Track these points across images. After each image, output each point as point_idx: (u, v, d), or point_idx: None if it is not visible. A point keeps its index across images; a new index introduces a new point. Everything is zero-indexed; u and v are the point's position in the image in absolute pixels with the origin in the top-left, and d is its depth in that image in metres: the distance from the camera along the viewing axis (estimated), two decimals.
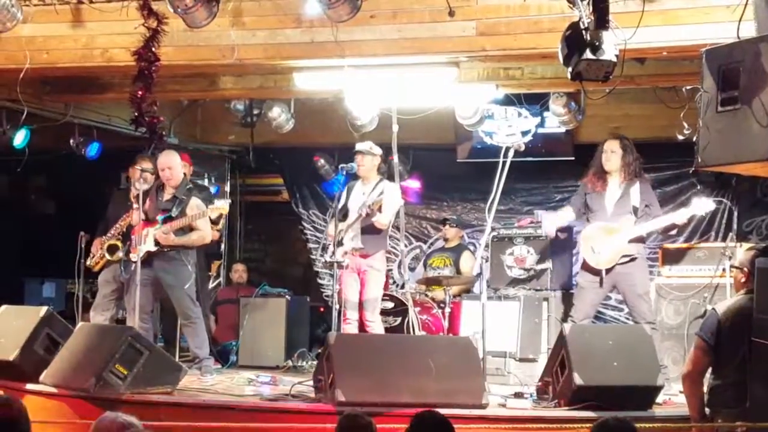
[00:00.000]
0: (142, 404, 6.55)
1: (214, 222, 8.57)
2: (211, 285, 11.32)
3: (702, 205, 7.90)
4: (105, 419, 3.79)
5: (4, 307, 7.93)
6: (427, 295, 9.47)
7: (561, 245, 8.90)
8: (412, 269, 10.60)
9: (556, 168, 10.71)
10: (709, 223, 9.90)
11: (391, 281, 10.26)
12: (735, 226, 9.57)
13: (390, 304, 9.21)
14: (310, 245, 11.83)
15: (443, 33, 7.26)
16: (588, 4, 5.58)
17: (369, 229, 8.25)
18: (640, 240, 7.89)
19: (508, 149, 7.60)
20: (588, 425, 6.08)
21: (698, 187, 10.04)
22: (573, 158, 10.45)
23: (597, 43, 5.58)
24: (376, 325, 8.33)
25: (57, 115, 10.00)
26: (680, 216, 7.88)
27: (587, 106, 9.91)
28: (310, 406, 6.56)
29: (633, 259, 7.80)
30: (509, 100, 10.10)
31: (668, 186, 10.27)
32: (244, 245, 12.86)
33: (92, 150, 10.51)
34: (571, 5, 5.76)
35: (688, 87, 8.14)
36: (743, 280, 5.60)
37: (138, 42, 7.35)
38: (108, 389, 6.67)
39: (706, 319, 5.61)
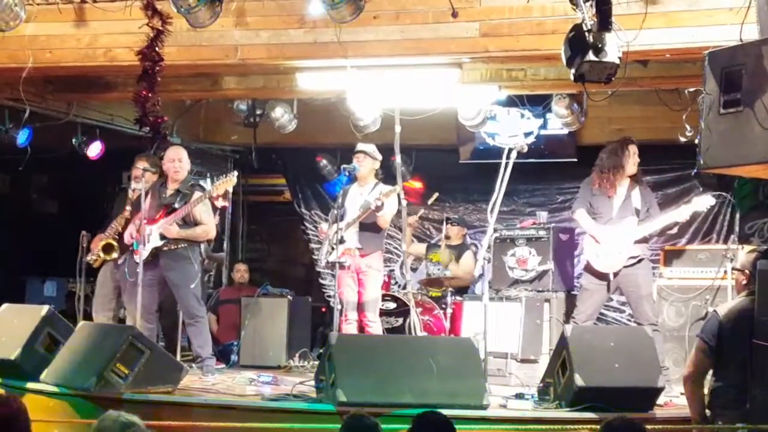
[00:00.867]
0: (144, 404, 6.54)
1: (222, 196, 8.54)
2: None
3: (703, 200, 7.92)
4: (106, 418, 3.79)
5: (5, 305, 7.93)
6: (428, 295, 9.47)
7: (563, 247, 8.90)
8: (414, 270, 10.59)
9: (559, 169, 10.72)
10: (711, 225, 9.91)
11: (393, 281, 10.27)
12: (737, 228, 9.57)
13: (392, 305, 9.22)
14: (312, 245, 11.84)
15: (446, 34, 7.26)
16: (591, 6, 5.59)
17: (368, 228, 8.26)
18: (645, 241, 7.90)
19: (510, 150, 7.61)
20: (589, 426, 6.12)
21: (700, 189, 10.04)
22: (575, 160, 10.46)
23: (600, 45, 5.59)
24: (376, 326, 8.35)
25: (59, 114, 10.02)
26: (682, 213, 7.89)
27: (590, 108, 9.91)
28: (312, 407, 6.55)
29: (639, 261, 7.81)
30: (512, 102, 10.09)
31: (670, 188, 10.27)
32: (246, 245, 12.86)
33: (93, 150, 10.49)
34: (575, 7, 5.76)
35: (691, 89, 8.17)
36: (744, 282, 5.61)
37: (140, 41, 7.37)
38: (109, 388, 6.67)
39: (708, 321, 5.62)
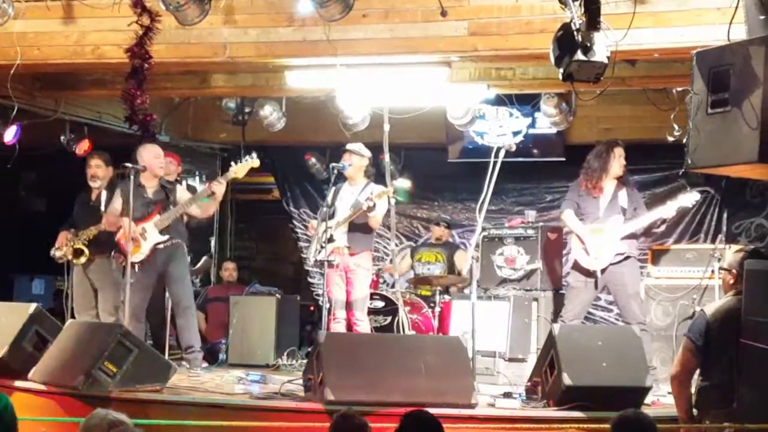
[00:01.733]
0: (132, 402, 6.53)
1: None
2: None
3: (688, 197, 7.96)
4: (94, 417, 3.78)
5: None
6: (417, 294, 9.48)
7: (551, 245, 8.91)
8: None
9: (547, 168, 10.73)
10: (699, 225, 9.94)
11: (381, 280, 10.27)
12: (724, 228, 9.60)
13: (380, 304, 9.22)
14: (301, 244, 11.83)
15: (435, 33, 7.27)
16: (579, 5, 5.59)
17: (358, 228, 8.27)
18: (632, 237, 7.91)
19: (499, 149, 7.61)
20: (576, 425, 6.14)
21: (687, 189, 10.06)
22: (564, 159, 10.48)
23: (588, 45, 5.59)
24: (364, 324, 8.35)
25: (48, 112, 9.99)
26: (668, 209, 7.91)
27: (578, 107, 9.92)
28: (300, 405, 6.55)
29: (626, 258, 7.81)
30: (500, 101, 10.11)
31: (658, 188, 10.30)
32: (234, 243, 12.85)
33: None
34: (563, 6, 5.77)
35: (679, 89, 8.20)
36: (732, 281, 5.62)
37: (129, 39, 7.36)
38: (97, 387, 6.65)
39: (695, 321, 5.63)
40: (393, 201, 8.79)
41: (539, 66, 8.14)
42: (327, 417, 5.75)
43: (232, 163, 8.17)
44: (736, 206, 9.91)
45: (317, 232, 8.00)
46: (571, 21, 5.64)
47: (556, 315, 8.26)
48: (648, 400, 6.76)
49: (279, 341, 9.46)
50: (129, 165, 8.17)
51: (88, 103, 10.45)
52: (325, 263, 7.83)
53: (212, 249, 12.19)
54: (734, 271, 5.60)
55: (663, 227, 8.51)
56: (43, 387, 6.91)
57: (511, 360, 8.34)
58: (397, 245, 10.46)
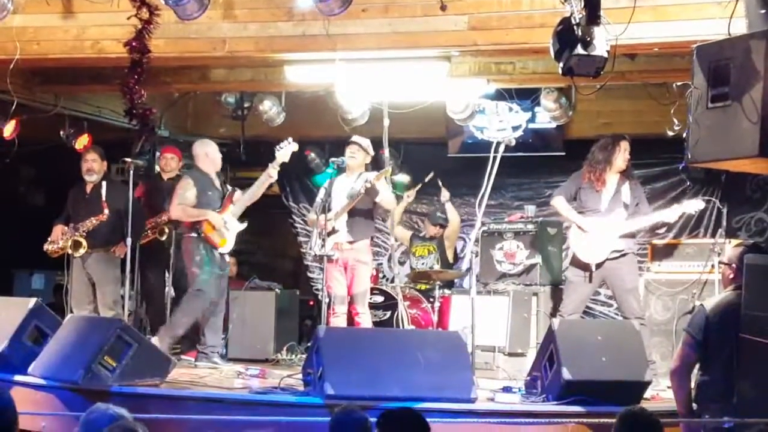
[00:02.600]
0: (131, 396, 6.54)
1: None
2: None
3: (692, 204, 7.96)
4: (94, 411, 3.79)
5: None
6: (416, 289, 9.48)
7: (550, 240, 8.91)
8: (401, 263, 10.60)
9: (547, 163, 10.73)
10: (699, 220, 9.92)
11: (381, 275, 10.27)
12: (724, 223, 9.59)
13: (380, 298, 9.21)
14: (300, 239, 11.84)
15: (435, 27, 7.26)
16: None
17: (358, 213, 8.22)
18: (631, 236, 7.91)
19: (498, 144, 7.60)
20: (576, 420, 6.15)
21: (687, 184, 10.07)
22: (563, 153, 10.48)
23: (588, 39, 5.60)
24: (366, 317, 8.33)
25: (47, 107, 9.97)
26: (671, 213, 7.92)
27: (578, 102, 9.94)
28: (299, 400, 6.55)
29: (623, 255, 7.80)
30: (500, 95, 10.11)
31: (658, 182, 10.30)
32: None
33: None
34: (563, 0, 5.77)
35: (679, 83, 8.17)
36: (731, 276, 5.62)
37: (129, 33, 7.35)
38: (97, 381, 6.65)
39: (694, 315, 5.63)
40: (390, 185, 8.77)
41: (539, 60, 8.14)
42: (326, 411, 5.75)
43: (276, 149, 8.41)
44: (736, 201, 9.90)
45: (317, 226, 7.96)
46: (571, 15, 5.64)
47: (556, 309, 8.26)
48: (647, 394, 6.77)
49: (278, 336, 9.47)
50: (129, 160, 8.25)
51: (87, 98, 10.45)
52: (325, 258, 7.82)
53: None
54: (734, 265, 5.60)
55: (663, 229, 8.51)
56: (42, 381, 6.91)
57: (510, 354, 8.35)
58: (396, 239, 10.46)
